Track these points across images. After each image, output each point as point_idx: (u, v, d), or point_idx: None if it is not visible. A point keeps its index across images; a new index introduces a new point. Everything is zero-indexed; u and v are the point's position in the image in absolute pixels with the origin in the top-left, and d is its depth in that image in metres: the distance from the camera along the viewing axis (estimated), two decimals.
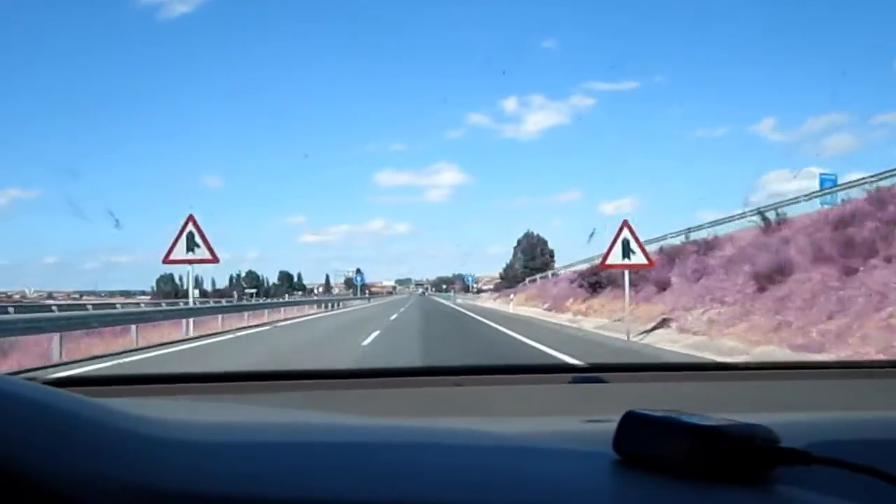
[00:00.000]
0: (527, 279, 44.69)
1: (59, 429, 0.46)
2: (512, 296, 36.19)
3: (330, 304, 38.72)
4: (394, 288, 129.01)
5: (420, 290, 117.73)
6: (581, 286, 23.20)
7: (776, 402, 1.28)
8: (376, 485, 0.51)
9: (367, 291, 69.49)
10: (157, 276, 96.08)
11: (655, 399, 1.08)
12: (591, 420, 0.87)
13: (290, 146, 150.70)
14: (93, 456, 0.45)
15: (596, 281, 21.77)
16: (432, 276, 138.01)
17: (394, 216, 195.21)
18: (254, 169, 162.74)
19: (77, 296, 68.40)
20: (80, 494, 0.42)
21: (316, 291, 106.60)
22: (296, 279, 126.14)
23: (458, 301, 55.15)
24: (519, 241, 61.40)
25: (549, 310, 26.19)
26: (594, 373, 1.50)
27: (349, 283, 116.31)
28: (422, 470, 0.55)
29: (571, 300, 24.11)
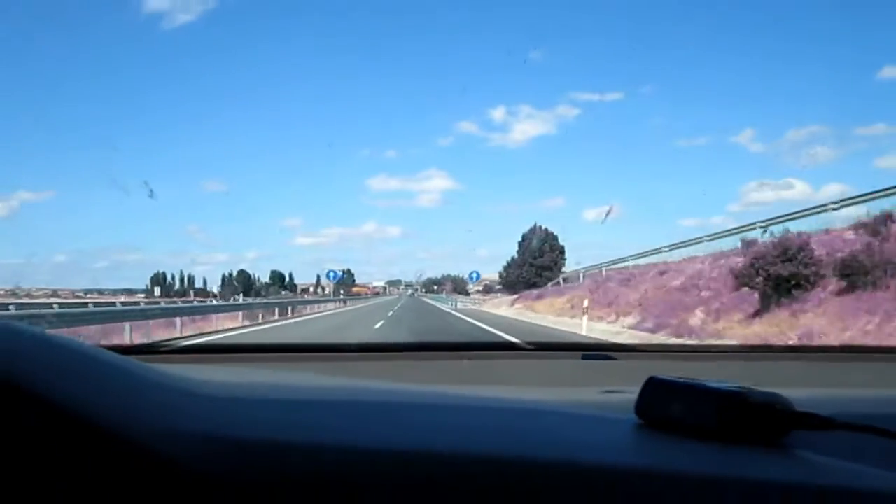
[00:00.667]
0: (549, 283, 35.83)
1: (127, 386, 0.51)
2: (585, 304, 15.84)
3: (287, 309, 26.44)
4: (384, 289, 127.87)
5: (409, 291, 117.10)
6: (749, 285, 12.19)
7: (785, 381, 1.27)
8: (407, 435, 0.54)
9: (342, 292, 58.29)
10: (151, 275, 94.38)
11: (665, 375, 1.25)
12: (607, 391, 0.89)
13: (288, 152, 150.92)
14: (156, 409, 0.49)
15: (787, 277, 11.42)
16: (423, 277, 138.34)
17: (386, 219, 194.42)
18: (252, 174, 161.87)
19: (82, 293, 67.95)
20: (145, 440, 0.46)
21: (311, 291, 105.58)
22: (287, 279, 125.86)
23: (460, 306, 38.46)
24: (525, 237, 50.93)
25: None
26: (604, 352, 1.53)
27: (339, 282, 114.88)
28: (448, 424, 0.58)
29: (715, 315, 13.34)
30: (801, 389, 0.94)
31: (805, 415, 0.58)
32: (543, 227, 50.18)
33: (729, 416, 0.56)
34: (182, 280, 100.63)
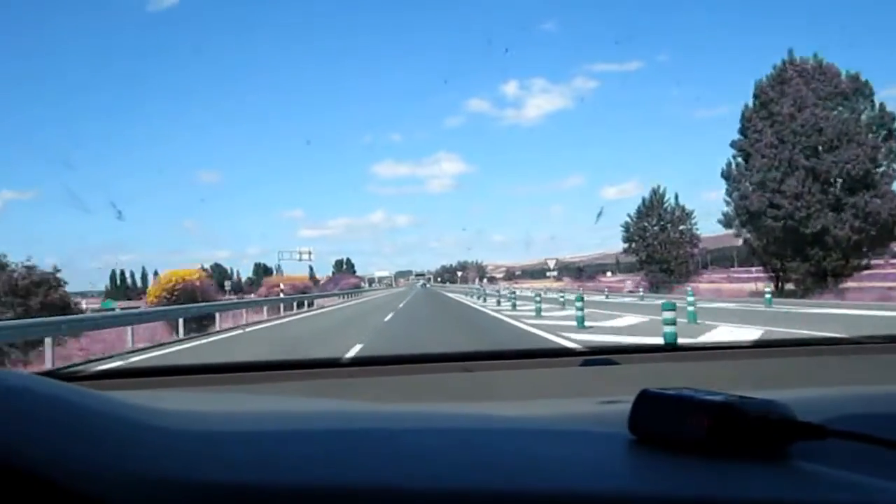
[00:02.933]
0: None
1: (77, 423, 0.46)
2: None
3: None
4: (391, 279, 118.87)
5: (420, 282, 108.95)
6: None
7: (786, 379, 1.30)
8: (393, 469, 0.51)
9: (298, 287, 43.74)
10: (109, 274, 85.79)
11: (667, 379, 1.04)
12: (604, 401, 0.87)
13: (285, 140, 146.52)
14: (105, 448, 0.45)
15: None
16: (436, 266, 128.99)
17: (394, 208, 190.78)
18: (250, 164, 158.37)
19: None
20: (93, 487, 0.41)
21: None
22: (275, 272, 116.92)
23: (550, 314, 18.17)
24: (646, 202, 37.77)
25: None
26: (604, 355, 1.51)
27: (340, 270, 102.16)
28: (436, 454, 0.55)
29: None
30: (805, 389, 0.96)
31: (802, 424, 0.58)
32: (662, 187, 37.70)
33: (723, 429, 0.56)
34: (144, 278, 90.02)
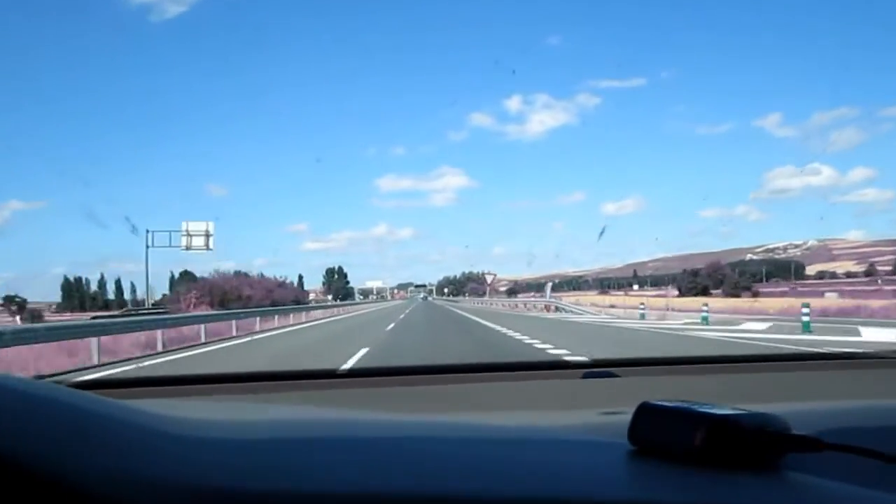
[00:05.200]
0: None
1: (87, 429, 0.46)
2: None
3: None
4: (389, 291, 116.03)
5: (421, 295, 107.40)
6: None
7: (784, 393, 1.33)
8: (397, 477, 0.52)
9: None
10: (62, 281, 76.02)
11: (667, 391, 1.06)
12: (605, 412, 0.89)
13: (291, 155, 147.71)
14: (119, 455, 0.45)
15: None
16: (439, 278, 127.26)
17: (397, 221, 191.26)
18: (256, 178, 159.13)
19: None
20: (110, 493, 0.42)
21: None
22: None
23: None
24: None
25: None
26: (605, 368, 1.52)
27: (332, 287, 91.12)
28: (437, 461, 0.56)
29: None
30: (801, 403, 0.98)
31: (797, 437, 0.59)
32: None
33: (721, 441, 0.57)
34: (102, 286, 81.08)
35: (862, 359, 1.78)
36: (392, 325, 20.43)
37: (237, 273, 47.56)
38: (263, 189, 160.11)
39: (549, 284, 47.05)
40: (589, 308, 32.82)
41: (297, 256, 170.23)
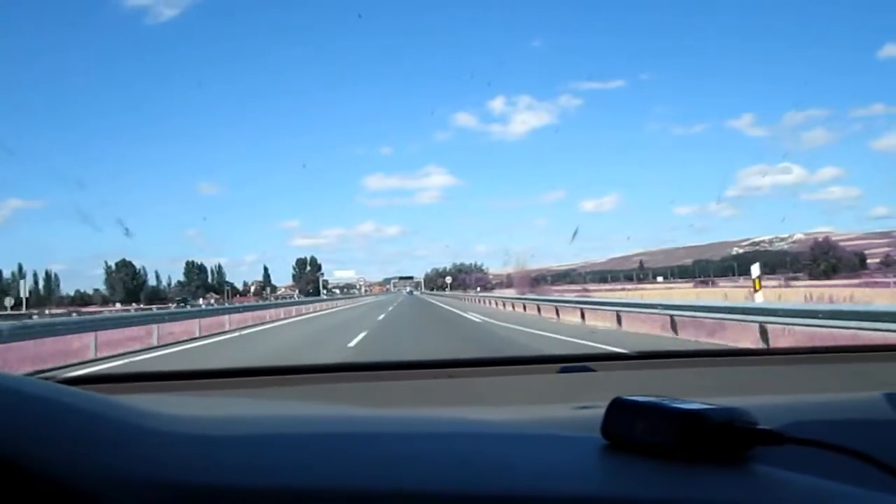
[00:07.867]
0: None
1: (77, 426, 0.47)
2: None
3: None
4: (365, 286, 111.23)
5: (407, 289, 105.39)
6: None
7: (753, 386, 1.37)
8: (373, 473, 0.53)
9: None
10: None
11: (641, 386, 1.10)
12: (579, 407, 0.91)
13: (282, 153, 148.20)
14: (110, 451, 0.46)
15: None
16: (427, 271, 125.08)
17: (384, 218, 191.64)
18: (248, 176, 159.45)
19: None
20: (99, 490, 0.43)
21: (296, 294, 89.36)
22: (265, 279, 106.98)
23: None
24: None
25: None
26: (581, 362, 1.55)
27: (303, 280, 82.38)
28: (416, 458, 0.57)
29: None
30: (767, 396, 1.02)
31: (762, 431, 0.61)
32: None
33: (690, 435, 0.58)
34: (36, 282, 78.10)
35: (827, 353, 1.83)
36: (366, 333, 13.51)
37: None
38: (255, 186, 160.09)
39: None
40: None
41: (288, 252, 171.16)
